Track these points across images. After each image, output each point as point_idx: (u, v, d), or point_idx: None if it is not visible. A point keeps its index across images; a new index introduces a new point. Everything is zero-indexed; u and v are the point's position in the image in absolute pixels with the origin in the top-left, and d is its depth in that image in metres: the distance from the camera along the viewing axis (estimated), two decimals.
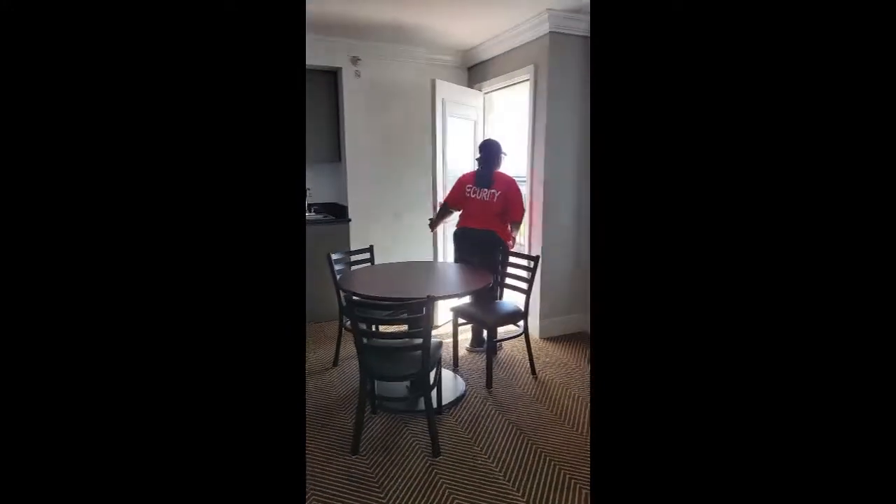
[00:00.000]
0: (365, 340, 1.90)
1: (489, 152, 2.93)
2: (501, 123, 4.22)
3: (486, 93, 3.76)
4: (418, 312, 1.84)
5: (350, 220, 3.69)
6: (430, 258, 3.53)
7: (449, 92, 3.30)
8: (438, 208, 3.16)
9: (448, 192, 3.09)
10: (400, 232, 3.95)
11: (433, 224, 3.19)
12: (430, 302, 1.80)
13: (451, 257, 3.33)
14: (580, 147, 3.14)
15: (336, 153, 3.81)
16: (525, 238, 3.31)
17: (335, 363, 2.84)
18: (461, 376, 2.68)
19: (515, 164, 3.53)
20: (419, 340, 1.88)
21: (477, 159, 3.01)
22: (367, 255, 2.95)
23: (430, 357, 1.90)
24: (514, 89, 3.52)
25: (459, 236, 3.01)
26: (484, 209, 2.90)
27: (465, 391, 2.52)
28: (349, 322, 1.99)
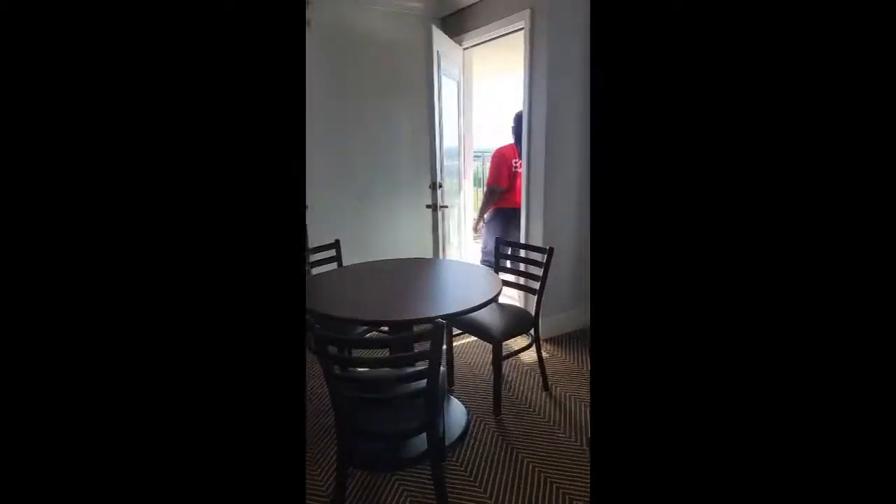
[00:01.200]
0: (337, 381, 1.31)
1: (521, 125, 2.70)
2: (482, 88, 3.62)
3: (465, 48, 3.14)
4: (422, 342, 1.27)
5: (307, 207, 3.01)
6: (407, 254, 2.91)
7: (445, 45, 2.72)
8: (486, 193, 2.96)
9: (489, 172, 2.93)
10: (373, 219, 3.27)
11: (480, 216, 3.02)
12: (440, 328, 1.23)
13: (451, 253, 2.80)
14: (587, 117, 2.60)
15: None
16: (522, 226, 2.77)
17: None
18: (459, 400, 2.15)
19: (500, 138, 3.03)
20: (422, 383, 1.30)
21: (513, 129, 2.84)
22: (332, 253, 2.32)
23: (437, 403, 1.34)
24: (502, 43, 2.93)
25: (511, 216, 2.84)
26: None
27: (469, 421, 1.99)
28: (314, 341, 1.34)
